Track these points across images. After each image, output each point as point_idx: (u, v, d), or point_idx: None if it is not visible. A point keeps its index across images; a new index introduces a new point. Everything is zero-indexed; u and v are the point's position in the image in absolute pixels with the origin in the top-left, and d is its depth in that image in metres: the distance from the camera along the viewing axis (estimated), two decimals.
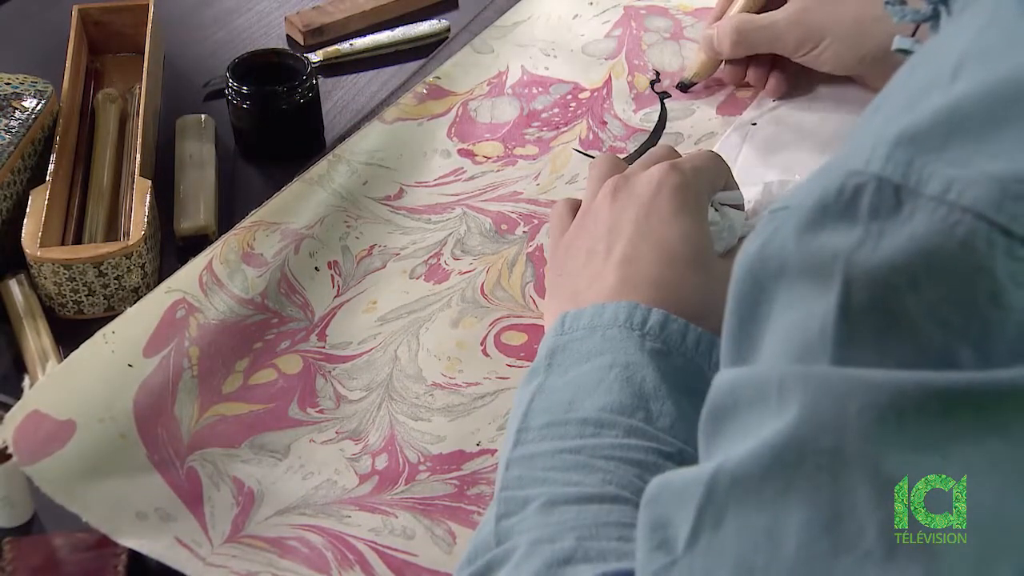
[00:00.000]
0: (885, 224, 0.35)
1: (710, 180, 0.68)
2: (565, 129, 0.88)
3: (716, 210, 0.68)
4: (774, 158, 0.83)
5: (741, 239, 0.68)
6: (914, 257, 0.34)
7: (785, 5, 0.86)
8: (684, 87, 0.91)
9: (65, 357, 0.67)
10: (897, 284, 0.34)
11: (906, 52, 0.55)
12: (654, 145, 0.86)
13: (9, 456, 0.61)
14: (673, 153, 0.71)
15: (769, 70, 0.88)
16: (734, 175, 0.70)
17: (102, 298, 0.74)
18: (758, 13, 0.87)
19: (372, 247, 0.78)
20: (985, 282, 0.33)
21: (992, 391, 0.33)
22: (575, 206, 0.71)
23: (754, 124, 0.86)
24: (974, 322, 0.34)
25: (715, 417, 0.40)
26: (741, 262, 0.40)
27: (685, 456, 0.53)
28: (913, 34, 0.59)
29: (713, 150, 0.72)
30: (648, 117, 0.89)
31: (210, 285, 0.72)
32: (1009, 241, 0.33)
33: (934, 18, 0.50)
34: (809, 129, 0.85)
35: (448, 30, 1.01)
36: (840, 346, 0.36)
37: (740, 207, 0.69)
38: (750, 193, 0.74)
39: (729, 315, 0.41)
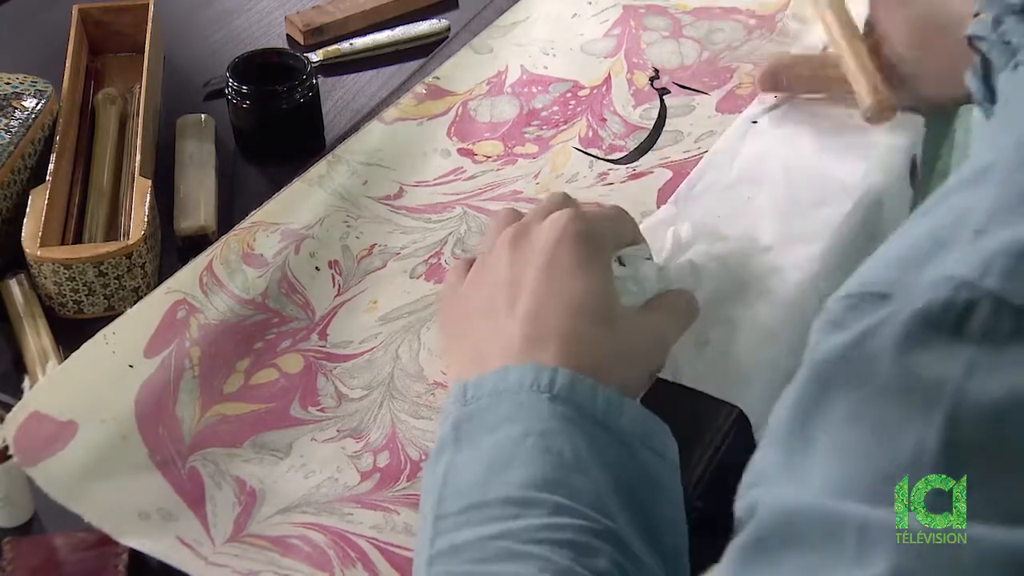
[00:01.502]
0: (1002, 350, 0.32)
1: (613, 231, 0.65)
2: (565, 127, 0.88)
3: (622, 264, 0.65)
4: (775, 156, 0.83)
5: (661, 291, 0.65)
6: None
7: None
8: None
9: (65, 357, 0.67)
10: (1017, 421, 0.31)
11: (979, 39, 0.53)
12: (654, 143, 0.86)
13: (9, 456, 0.61)
14: (569, 200, 0.66)
15: None
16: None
17: (102, 298, 0.74)
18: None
19: (372, 247, 0.78)
20: None
21: None
22: (471, 264, 0.66)
23: (755, 122, 0.86)
24: None
25: (764, 546, 0.36)
26: (818, 357, 0.37)
27: (613, 534, 0.50)
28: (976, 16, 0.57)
29: (618, 205, 0.68)
30: (647, 114, 0.89)
31: (210, 286, 0.72)
32: None
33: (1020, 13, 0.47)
34: (810, 127, 0.85)
35: (448, 30, 1.01)
36: None
37: (649, 258, 0.67)
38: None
39: (787, 407, 0.38)
